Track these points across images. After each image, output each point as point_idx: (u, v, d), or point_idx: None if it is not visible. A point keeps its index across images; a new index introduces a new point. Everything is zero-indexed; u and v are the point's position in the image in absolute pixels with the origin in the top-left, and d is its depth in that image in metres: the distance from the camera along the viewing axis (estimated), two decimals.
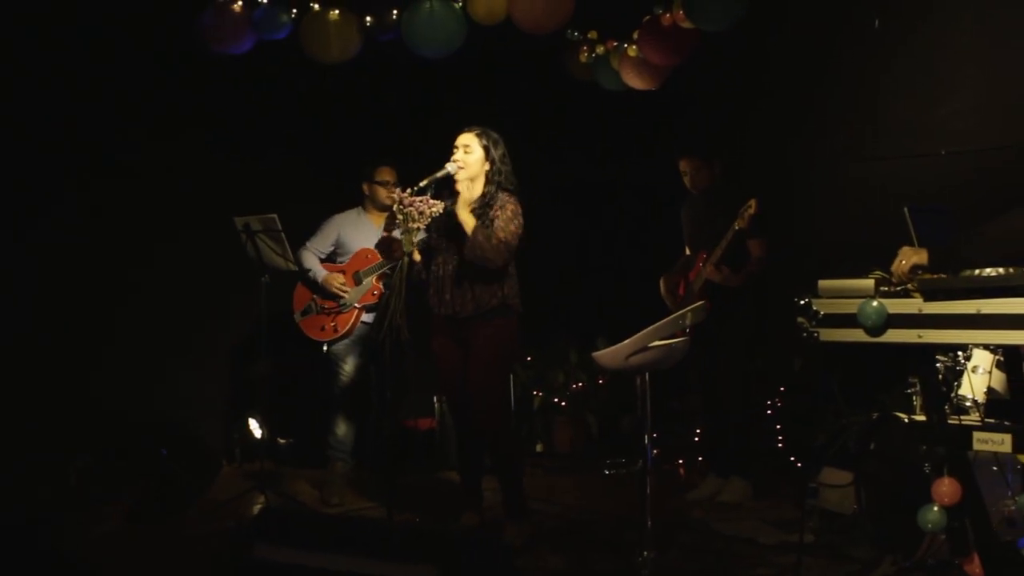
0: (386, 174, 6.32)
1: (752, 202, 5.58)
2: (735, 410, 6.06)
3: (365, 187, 6.37)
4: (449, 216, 5.02)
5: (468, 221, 4.95)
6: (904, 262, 3.38)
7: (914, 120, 6.33)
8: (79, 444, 6.06)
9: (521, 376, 7.45)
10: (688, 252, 6.32)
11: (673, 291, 6.28)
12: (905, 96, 6.37)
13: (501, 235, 4.95)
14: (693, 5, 5.78)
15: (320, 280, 6.26)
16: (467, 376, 5.09)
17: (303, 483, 6.49)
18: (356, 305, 6.23)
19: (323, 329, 6.30)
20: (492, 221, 4.98)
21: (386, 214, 6.29)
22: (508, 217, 5.01)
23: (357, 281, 6.26)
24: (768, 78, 7.09)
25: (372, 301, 6.22)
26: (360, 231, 6.36)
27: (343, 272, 6.30)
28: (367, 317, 6.26)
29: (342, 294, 6.22)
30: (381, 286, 6.20)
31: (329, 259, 6.32)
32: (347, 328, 6.24)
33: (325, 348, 6.36)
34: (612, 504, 5.99)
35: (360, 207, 6.43)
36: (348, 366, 6.31)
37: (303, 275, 6.28)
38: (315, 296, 6.32)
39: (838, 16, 6.52)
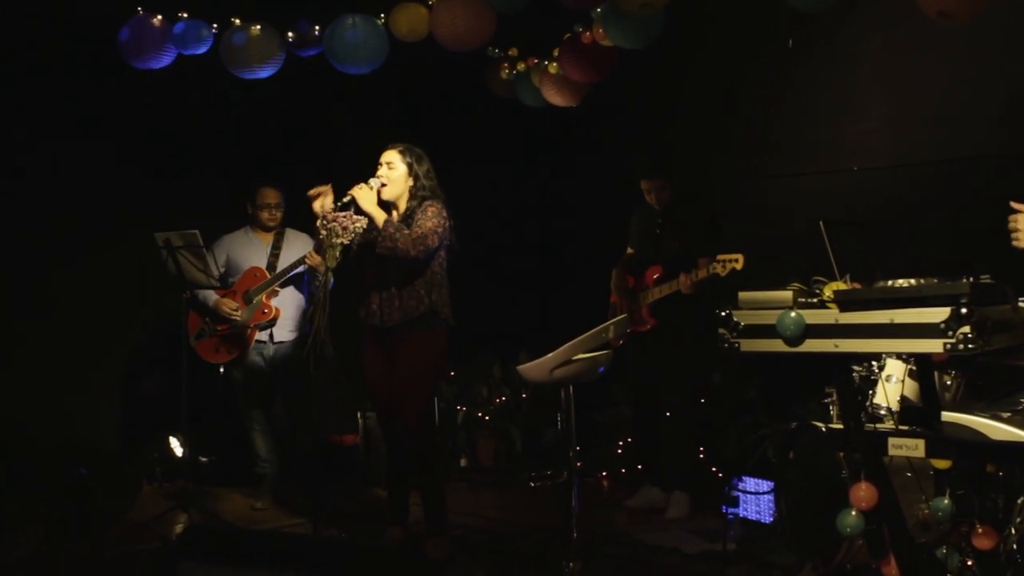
0: (268, 196, 6.35)
1: (739, 256, 5.61)
2: (682, 424, 6.12)
3: (248, 208, 6.39)
4: (373, 229, 5.01)
5: (377, 215, 4.93)
6: None
7: (828, 137, 6.50)
8: None
9: (445, 391, 7.45)
10: (631, 251, 6.37)
11: (622, 287, 6.29)
12: (819, 114, 6.54)
13: (417, 230, 4.94)
14: (612, 23, 5.87)
15: (211, 305, 6.25)
16: (394, 386, 5.07)
17: (226, 501, 6.42)
18: (249, 325, 6.22)
19: (218, 351, 6.31)
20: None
21: (273, 233, 6.37)
22: (428, 216, 5.01)
23: (247, 301, 6.25)
24: (686, 96, 7.21)
25: (263, 319, 6.24)
26: (249, 250, 6.39)
27: (234, 293, 6.29)
28: (261, 335, 6.28)
29: (233, 316, 6.21)
30: (271, 304, 6.23)
31: (221, 280, 6.21)
32: (241, 348, 6.23)
33: (222, 370, 6.37)
34: (536, 517, 6.00)
35: (248, 226, 6.45)
36: (249, 384, 6.33)
37: (193, 300, 6.21)
38: (207, 319, 6.30)
39: (754, 37, 6.66)
